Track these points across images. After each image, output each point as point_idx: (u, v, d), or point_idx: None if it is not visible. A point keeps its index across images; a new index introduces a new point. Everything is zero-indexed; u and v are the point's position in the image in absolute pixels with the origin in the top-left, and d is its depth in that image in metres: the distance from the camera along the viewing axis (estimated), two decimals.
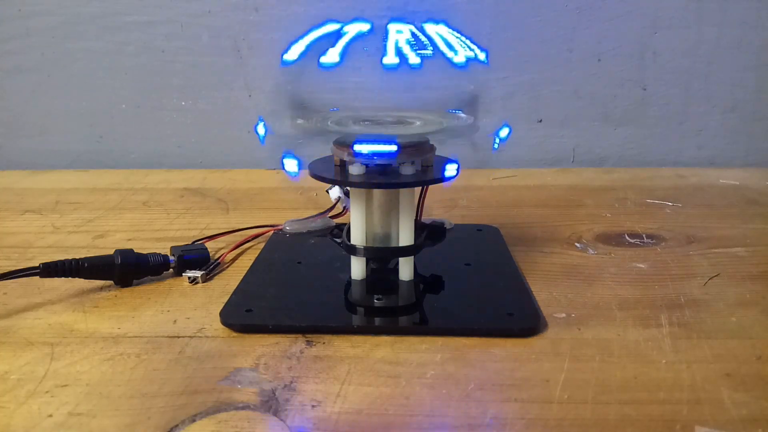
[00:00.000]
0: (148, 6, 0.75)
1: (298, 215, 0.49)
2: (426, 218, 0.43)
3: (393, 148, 0.35)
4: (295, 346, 0.34)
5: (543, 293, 0.40)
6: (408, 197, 0.39)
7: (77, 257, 0.41)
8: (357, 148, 0.36)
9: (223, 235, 0.51)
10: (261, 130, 0.39)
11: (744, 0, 0.73)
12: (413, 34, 0.36)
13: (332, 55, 0.35)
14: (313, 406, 0.29)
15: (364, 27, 0.36)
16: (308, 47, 0.37)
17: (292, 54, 0.37)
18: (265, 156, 0.75)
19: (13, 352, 0.34)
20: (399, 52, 0.35)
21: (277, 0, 0.74)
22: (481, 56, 0.37)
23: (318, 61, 0.36)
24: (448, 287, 0.41)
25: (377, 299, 0.39)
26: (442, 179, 0.37)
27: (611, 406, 0.29)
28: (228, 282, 0.43)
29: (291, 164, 0.38)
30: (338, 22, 0.37)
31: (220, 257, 0.47)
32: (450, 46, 0.36)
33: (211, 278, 0.44)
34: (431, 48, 0.36)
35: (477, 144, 0.39)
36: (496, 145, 0.39)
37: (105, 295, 0.41)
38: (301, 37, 0.37)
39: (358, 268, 0.41)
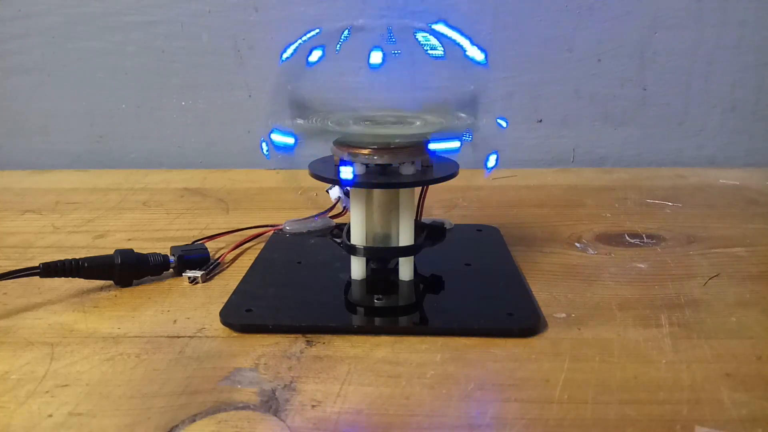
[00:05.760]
0: (148, 6, 0.75)
1: (298, 215, 0.49)
2: (426, 218, 0.43)
3: None
4: (295, 346, 0.34)
5: (543, 293, 0.40)
6: (408, 197, 0.39)
7: (77, 257, 0.41)
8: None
9: (223, 235, 0.51)
10: (265, 148, 0.39)
11: (744, 0, 0.73)
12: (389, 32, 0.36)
13: (316, 54, 0.36)
14: (313, 406, 0.29)
15: (357, 25, 0.37)
16: (302, 47, 0.37)
17: (290, 54, 0.37)
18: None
19: (13, 352, 0.34)
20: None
21: (277, 0, 0.74)
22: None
23: (307, 60, 0.36)
24: (448, 287, 0.41)
25: (377, 299, 0.39)
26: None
27: (611, 406, 0.29)
28: (228, 282, 0.43)
29: (279, 138, 0.37)
30: (336, 22, 0.37)
31: (220, 257, 0.47)
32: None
33: (211, 278, 0.44)
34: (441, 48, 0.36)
35: (477, 144, 0.39)
36: (486, 174, 0.39)
37: (105, 295, 0.41)
38: (300, 37, 0.37)
39: (358, 268, 0.41)
